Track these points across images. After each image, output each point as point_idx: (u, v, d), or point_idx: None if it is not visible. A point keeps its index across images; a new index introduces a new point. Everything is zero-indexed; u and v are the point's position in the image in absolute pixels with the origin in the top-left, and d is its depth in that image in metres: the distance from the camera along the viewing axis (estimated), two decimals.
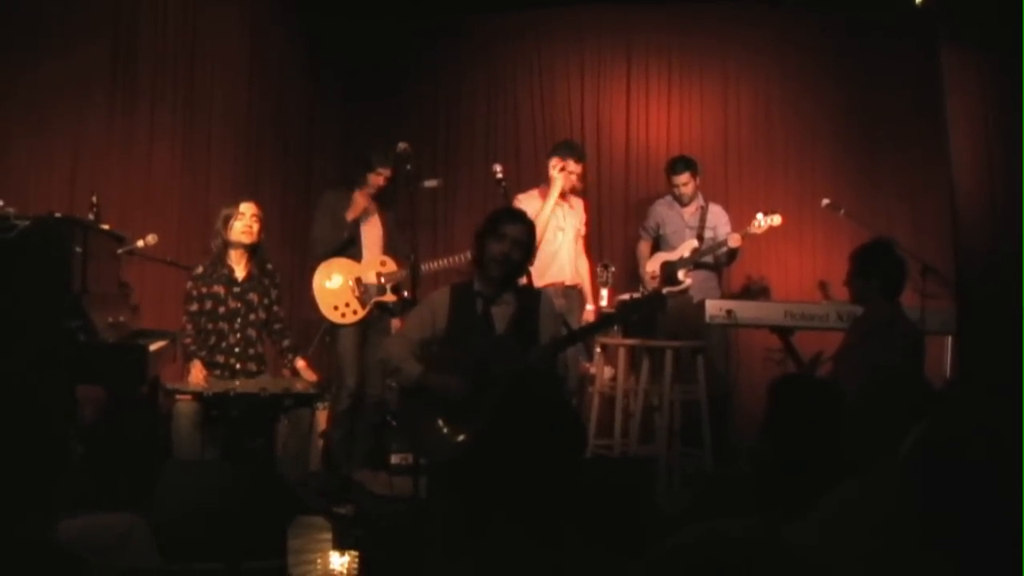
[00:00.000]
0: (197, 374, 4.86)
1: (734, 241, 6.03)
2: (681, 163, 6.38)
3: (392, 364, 4.01)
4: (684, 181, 6.31)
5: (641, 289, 6.28)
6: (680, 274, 6.15)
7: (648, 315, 4.20)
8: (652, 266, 6.30)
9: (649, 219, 6.55)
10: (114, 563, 2.61)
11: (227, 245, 5.05)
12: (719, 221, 6.34)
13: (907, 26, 6.03)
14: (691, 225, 6.33)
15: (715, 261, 6.26)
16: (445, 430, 3.82)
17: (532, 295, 4.18)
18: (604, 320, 5.06)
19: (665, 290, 6.03)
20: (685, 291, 6.10)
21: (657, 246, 6.48)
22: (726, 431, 6.03)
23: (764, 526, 1.71)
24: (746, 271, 6.64)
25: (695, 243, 6.21)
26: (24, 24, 4.87)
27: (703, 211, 6.34)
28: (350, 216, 5.60)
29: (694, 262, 6.16)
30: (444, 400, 3.84)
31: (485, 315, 4.00)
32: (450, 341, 4.00)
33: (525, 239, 4.02)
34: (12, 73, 4.84)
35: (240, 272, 5.08)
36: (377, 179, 5.73)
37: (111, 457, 4.40)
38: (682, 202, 6.38)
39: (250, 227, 5.02)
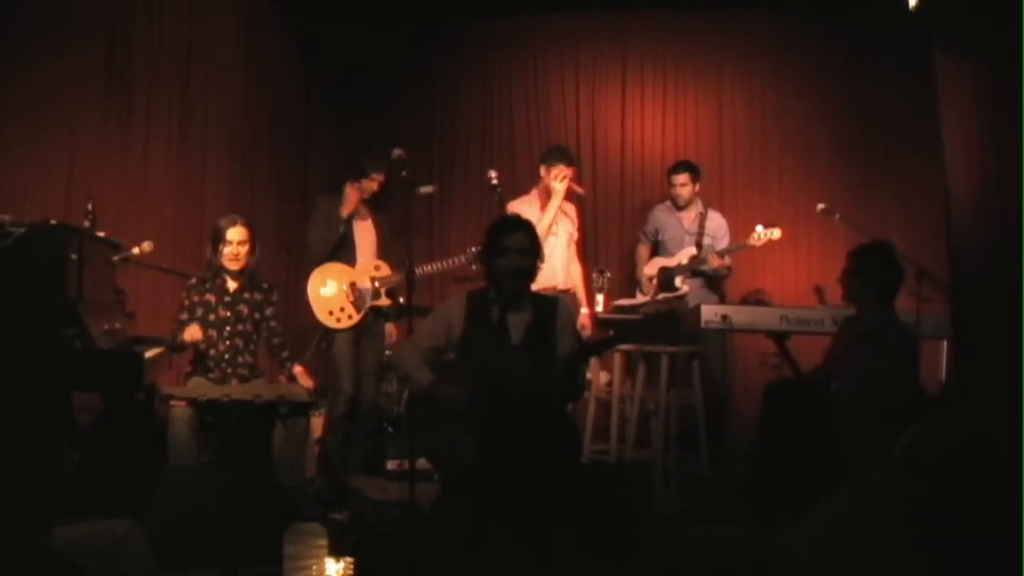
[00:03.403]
0: (193, 330, 4.90)
1: (715, 261, 6.06)
2: (682, 164, 6.41)
3: (403, 371, 4.06)
4: (682, 182, 6.31)
5: (638, 294, 6.28)
6: (677, 280, 6.15)
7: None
8: (650, 270, 6.30)
9: (648, 224, 6.55)
10: (111, 570, 2.60)
11: (219, 262, 5.09)
12: (718, 228, 6.35)
13: (903, 31, 6.03)
14: (690, 231, 6.33)
15: (712, 272, 6.24)
16: (459, 437, 3.79)
17: (549, 303, 4.14)
18: (615, 338, 4.89)
19: (661, 296, 6.04)
20: (682, 297, 6.10)
21: (656, 251, 6.49)
22: (722, 436, 6.03)
23: (754, 532, 1.72)
24: (743, 277, 6.63)
25: (693, 250, 6.21)
26: (19, 31, 4.88)
27: (702, 218, 6.34)
28: (344, 212, 5.57)
29: (691, 270, 6.16)
30: (452, 411, 3.84)
31: (501, 323, 3.98)
32: (466, 349, 4.00)
33: (529, 244, 3.98)
34: (7, 80, 4.85)
35: (232, 285, 5.12)
36: (371, 185, 5.72)
37: (107, 464, 4.40)
38: (677, 204, 6.37)
39: (236, 254, 5.05)
